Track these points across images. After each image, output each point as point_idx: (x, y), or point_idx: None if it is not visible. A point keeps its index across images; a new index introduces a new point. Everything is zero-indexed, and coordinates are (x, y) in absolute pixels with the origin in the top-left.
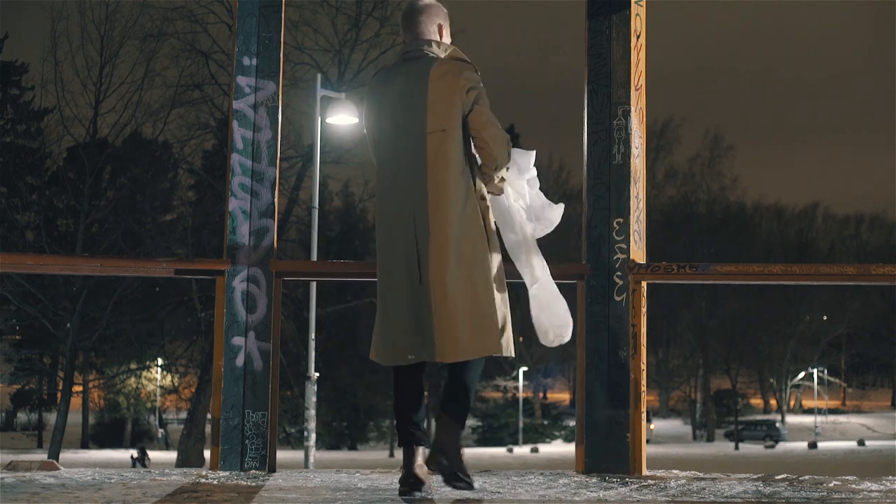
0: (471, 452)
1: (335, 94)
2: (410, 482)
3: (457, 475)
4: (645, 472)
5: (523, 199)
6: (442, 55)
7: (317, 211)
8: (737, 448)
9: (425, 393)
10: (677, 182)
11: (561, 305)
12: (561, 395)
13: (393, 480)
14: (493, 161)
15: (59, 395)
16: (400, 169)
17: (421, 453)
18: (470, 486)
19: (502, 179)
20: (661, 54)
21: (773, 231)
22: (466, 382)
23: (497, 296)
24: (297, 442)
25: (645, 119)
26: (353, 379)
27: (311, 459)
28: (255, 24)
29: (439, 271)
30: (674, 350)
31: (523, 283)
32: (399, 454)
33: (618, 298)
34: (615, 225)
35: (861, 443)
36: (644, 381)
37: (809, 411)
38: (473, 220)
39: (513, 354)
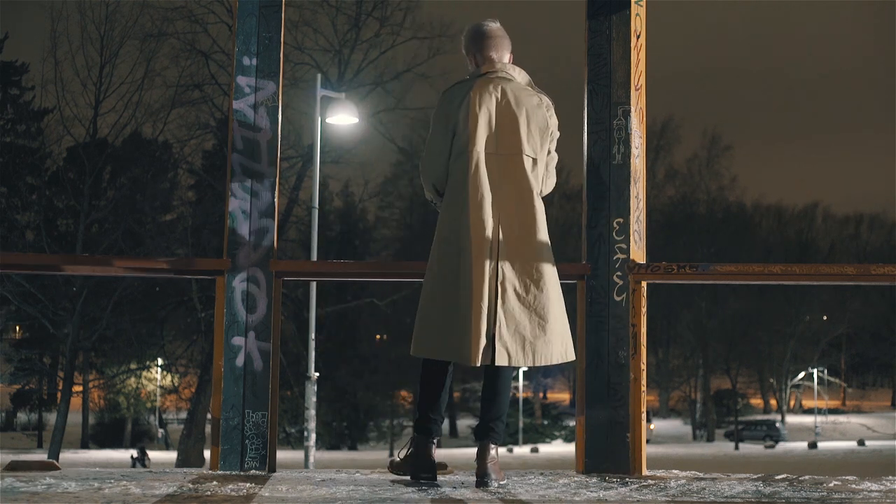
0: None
1: (335, 94)
2: (429, 467)
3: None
4: (645, 472)
5: None
6: (524, 83)
7: (317, 211)
8: (737, 448)
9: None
10: (677, 182)
11: None
12: (561, 395)
13: (433, 482)
14: (541, 195)
15: (59, 395)
16: (494, 182)
17: (433, 446)
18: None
19: None
20: (661, 54)
21: (772, 231)
22: (506, 400)
23: (562, 305)
24: (297, 442)
25: (645, 119)
26: (353, 379)
27: (311, 459)
28: (255, 24)
29: (522, 279)
30: (674, 350)
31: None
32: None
33: (618, 298)
34: (615, 225)
35: (861, 443)
36: (644, 381)
37: (809, 411)
38: (547, 237)
39: (574, 357)
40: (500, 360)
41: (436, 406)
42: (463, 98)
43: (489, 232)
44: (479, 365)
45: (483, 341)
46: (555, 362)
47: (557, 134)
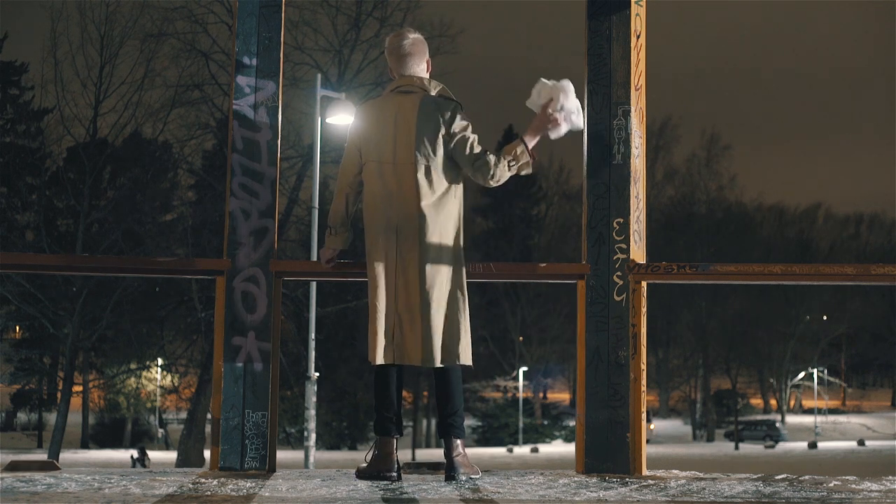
0: (471, 452)
1: (335, 94)
2: (394, 468)
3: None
4: (645, 472)
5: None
6: (433, 92)
7: (317, 211)
8: (737, 448)
9: (424, 393)
10: (677, 182)
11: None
12: (561, 395)
13: (396, 481)
14: (487, 182)
15: (59, 395)
16: (390, 190)
17: (395, 444)
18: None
19: (516, 161)
20: (661, 54)
21: (773, 231)
22: (459, 396)
23: (467, 309)
24: (297, 442)
25: (645, 119)
26: (353, 379)
27: (311, 459)
28: (255, 24)
29: (422, 283)
30: (674, 350)
31: (517, 288)
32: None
33: (618, 298)
34: (615, 225)
35: (861, 443)
36: (644, 381)
37: (809, 411)
38: (452, 240)
39: (471, 363)
40: (401, 359)
41: (388, 405)
42: (367, 114)
43: (387, 239)
44: (381, 363)
45: (390, 343)
46: (463, 363)
47: (468, 136)
